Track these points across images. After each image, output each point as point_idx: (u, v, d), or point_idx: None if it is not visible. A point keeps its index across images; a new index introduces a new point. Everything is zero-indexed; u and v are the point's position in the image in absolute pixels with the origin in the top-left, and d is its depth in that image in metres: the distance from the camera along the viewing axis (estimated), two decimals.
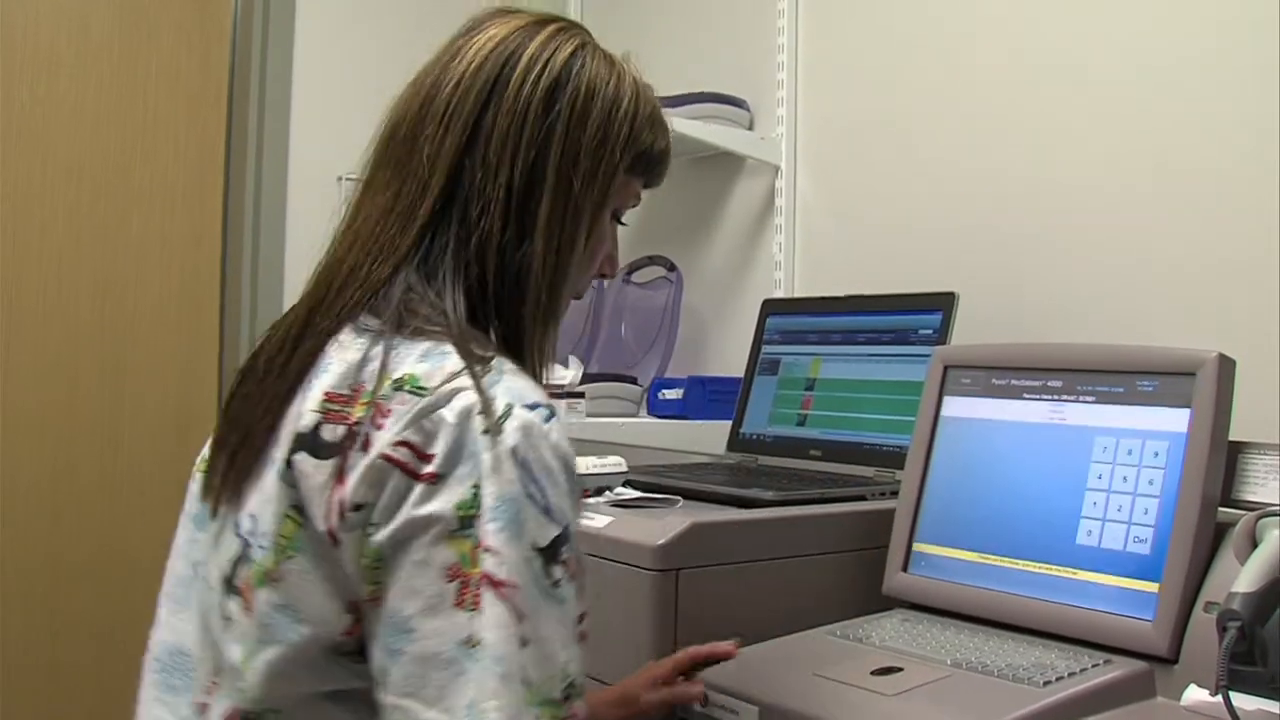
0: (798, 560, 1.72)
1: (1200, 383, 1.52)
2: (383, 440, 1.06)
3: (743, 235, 2.91)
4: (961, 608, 1.65)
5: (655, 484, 1.90)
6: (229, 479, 1.17)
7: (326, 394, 1.12)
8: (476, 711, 1.00)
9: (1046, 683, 1.38)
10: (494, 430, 1.05)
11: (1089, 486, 1.59)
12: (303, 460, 1.10)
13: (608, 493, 1.82)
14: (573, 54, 1.24)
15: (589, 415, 2.57)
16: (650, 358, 2.90)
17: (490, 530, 1.03)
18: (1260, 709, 1.24)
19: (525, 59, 1.22)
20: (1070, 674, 1.41)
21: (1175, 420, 1.54)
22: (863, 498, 1.90)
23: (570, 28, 1.28)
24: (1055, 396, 1.66)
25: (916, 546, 1.74)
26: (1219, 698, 1.25)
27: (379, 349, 1.14)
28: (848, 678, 1.43)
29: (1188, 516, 1.48)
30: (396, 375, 1.11)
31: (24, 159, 2.97)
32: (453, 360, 1.11)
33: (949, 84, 2.42)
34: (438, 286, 1.19)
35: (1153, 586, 1.48)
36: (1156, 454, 1.54)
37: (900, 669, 1.45)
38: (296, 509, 1.09)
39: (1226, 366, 1.53)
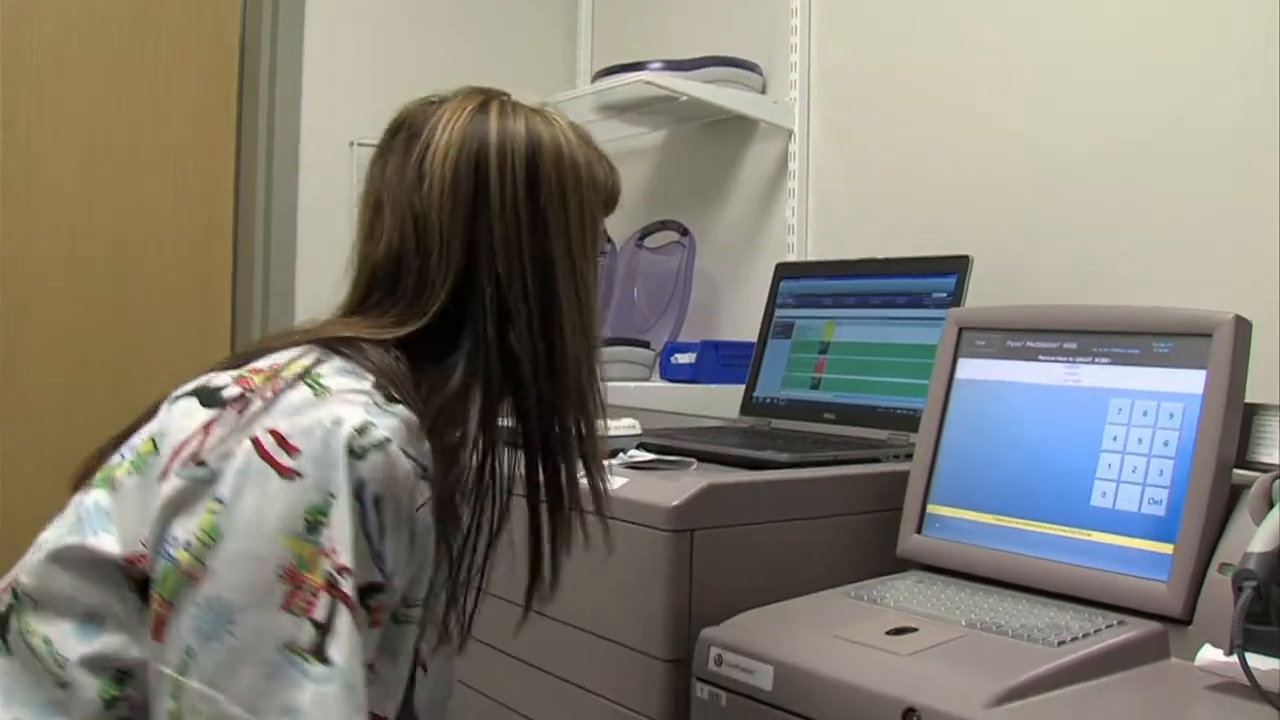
0: (812, 522, 1.73)
1: (1216, 344, 1.52)
2: (260, 417, 1.10)
3: (756, 199, 2.90)
4: (976, 569, 1.65)
5: (669, 446, 1.90)
6: None
7: (254, 369, 1.19)
8: (291, 714, 1.01)
9: (1061, 643, 1.38)
10: (360, 454, 1.07)
11: (1104, 448, 1.58)
12: (189, 402, 1.17)
13: (621, 455, 1.82)
14: (527, 128, 1.25)
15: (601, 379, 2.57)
16: (663, 322, 2.90)
17: (346, 555, 1.05)
18: (1275, 669, 1.24)
19: (494, 156, 1.22)
20: (1084, 634, 1.41)
21: (1191, 382, 1.53)
22: (876, 460, 1.90)
23: (501, 96, 1.29)
24: (1070, 358, 1.66)
25: (931, 508, 1.74)
26: (1233, 658, 1.25)
27: (316, 353, 1.19)
28: (863, 638, 1.44)
29: (1203, 478, 1.48)
30: (308, 370, 1.15)
31: (35, 122, 2.96)
32: (363, 383, 1.15)
33: (962, 48, 2.40)
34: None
35: (1167, 548, 1.48)
36: (1172, 415, 1.54)
37: (915, 629, 1.45)
38: (161, 436, 1.15)
39: (1243, 328, 1.52)
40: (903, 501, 1.77)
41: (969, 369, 1.77)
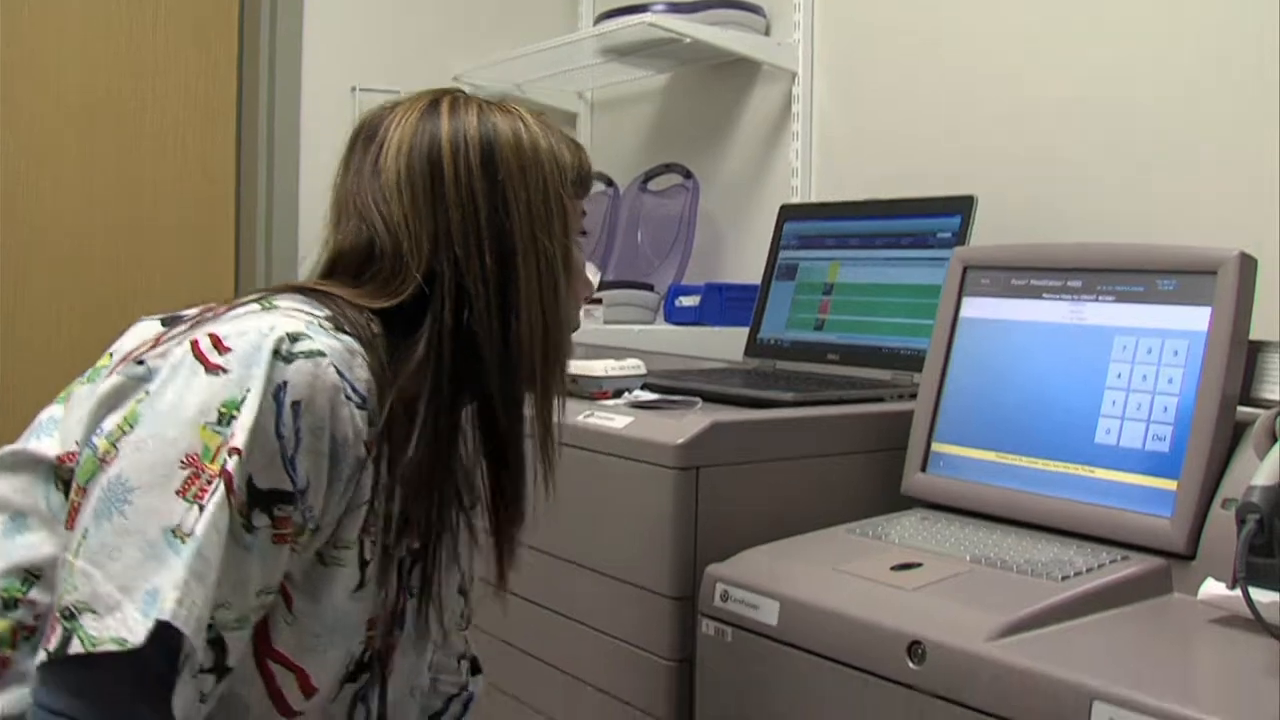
0: (816, 460, 1.74)
1: (1221, 281, 1.51)
2: (205, 324, 1.15)
3: (759, 141, 2.89)
4: (980, 507, 1.66)
5: (673, 387, 1.90)
6: None
7: (223, 301, 1.23)
8: (157, 597, 1.01)
9: (1064, 578, 1.39)
10: (286, 358, 1.09)
11: (1108, 385, 1.59)
12: (153, 322, 1.24)
13: (626, 394, 1.83)
14: (480, 118, 1.26)
15: (606, 322, 2.58)
16: (667, 265, 2.90)
17: (240, 438, 1.06)
18: (1277, 601, 1.25)
19: (446, 145, 1.24)
20: (1088, 569, 1.41)
21: (1195, 319, 1.53)
22: (880, 399, 1.91)
23: (453, 92, 1.31)
24: (1075, 296, 1.66)
25: (935, 446, 1.74)
26: (1235, 591, 1.26)
27: (285, 290, 1.23)
28: (868, 573, 1.44)
29: (1207, 414, 1.48)
30: (265, 295, 1.21)
31: (35, 52, 2.96)
32: (316, 310, 1.18)
33: None
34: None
35: (1171, 484, 1.49)
36: (1176, 353, 1.54)
37: (919, 564, 1.46)
38: (117, 350, 1.22)
39: (1248, 265, 1.52)
40: (907, 440, 1.77)
41: (973, 307, 1.77)
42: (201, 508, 1.04)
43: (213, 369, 1.09)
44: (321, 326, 1.15)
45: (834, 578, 1.45)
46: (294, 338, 1.10)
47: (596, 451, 1.70)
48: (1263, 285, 1.54)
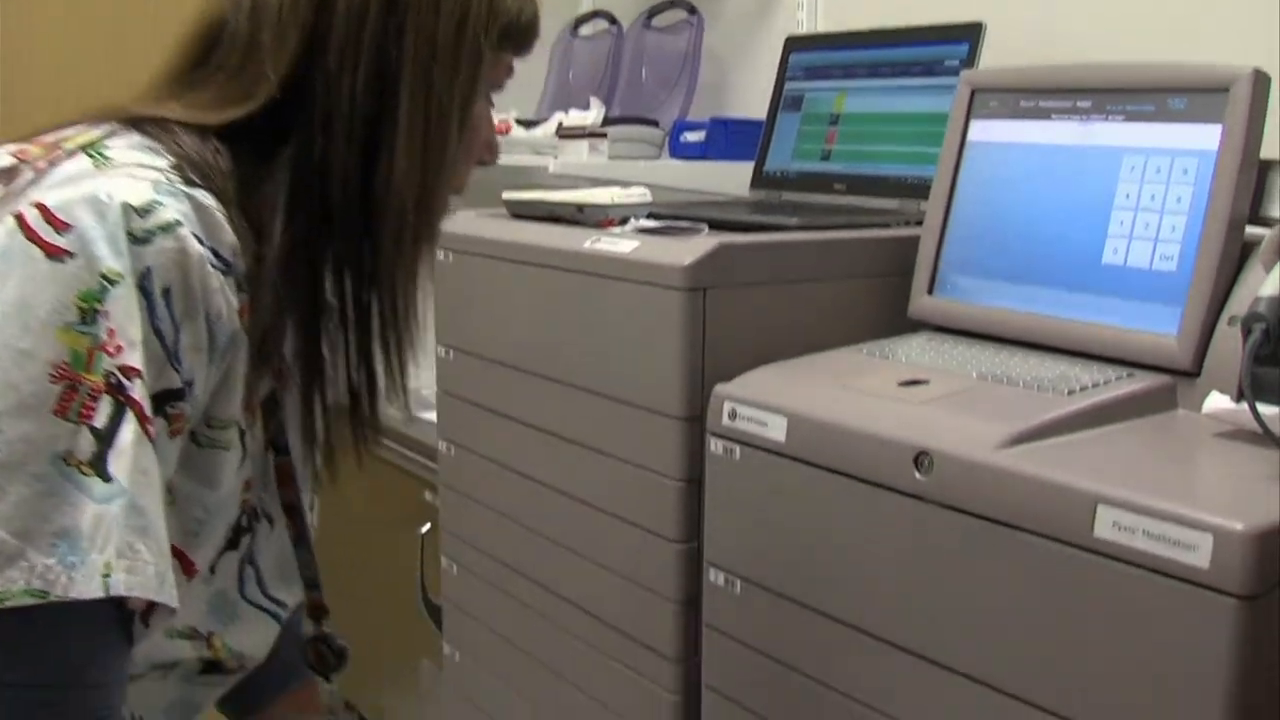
0: (823, 284, 1.73)
1: (1233, 99, 1.50)
2: (28, 191, 0.97)
3: None
4: (986, 328, 1.66)
5: (679, 215, 1.89)
6: None
7: (38, 140, 1.07)
8: (67, 540, 0.90)
9: (1070, 392, 1.39)
10: (143, 239, 0.95)
11: (1116, 206, 1.58)
12: None
13: (632, 221, 1.82)
14: None
15: (610, 158, 2.56)
16: (671, 101, 2.87)
17: (117, 339, 0.93)
18: None
19: None
20: (1094, 385, 1.42)
21: (1206, 137, 1.52)
22: (887, 225, 1.90)
23: None
24: (1084, 116, 1.64)
25: (942, 270, 1.74)
26: (1240, 404, 1.27)
27: (112, 127, 1.07)
28: (875, 388, 1.45)
29: (1215, 232, 1.47)
30: (93, 142, 1.03)
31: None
32: (157, 160, 1.02)
33: None
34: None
35: (1177, 303, 1.49)
36: (1186, 171, 1.53)
37: (926, 381, 1.47)
38: None
39: (1261, 82, 1.50)
40: (914, 266, 1.77)
41: (981, 131, 1.76)
42: (93, 430, 0.91)
43: (55, 253, 0.92)
44: (168, 183, 0.99)
45: (841, 393, 1.46)
46: (143, 210, 0.95)
47: (603, 276, 1.70)
48: (1275, 103, 1.52)
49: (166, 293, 0.96)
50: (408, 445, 2.78)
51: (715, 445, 1.54)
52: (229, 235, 1.02)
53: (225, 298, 1.01)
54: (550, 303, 1.83)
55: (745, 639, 1.54)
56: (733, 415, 1.51)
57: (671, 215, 1.86)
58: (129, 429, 0.93)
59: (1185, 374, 1.46)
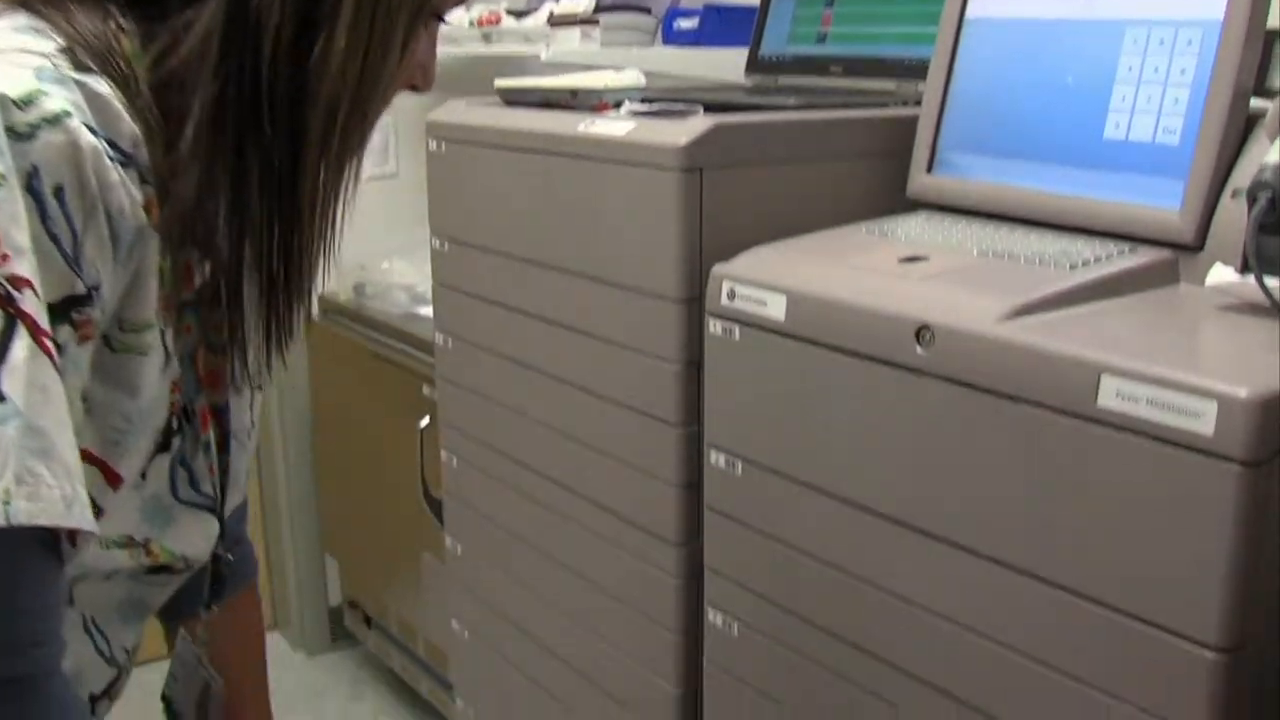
0: (821, 164, 1.71)
1: None
2: None
3: None
4: (986, 206, 1.64)
5: (673, 98, 1.87)
6: None
7: None
8: None
9: (1073, 266, 1.38)
10: (26, 134, 0.85)
11: (1118, 79, 1.55)
12: None
13: (626, 103, 1.79)
14: None
15: (603, 45, 2.53)
16: None
17: (25, 264, 0.84)
18: None
19: None
20: (1096, 259, 1.41)
21: (1211, 6, 1.48)
22: (884, 105, 1.88)
23: None
24: None
25: (941, 148, 1.72)
26: (1243, 277, 1.26)
27: None
28: (875, 265, 1.44)
29: (1219, 104, 1.45)
30: None
31: None
32: (44, 44, 0.91)
33: None
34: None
35: (1180, 176, 1.47)
36: (1190, 42, 1.50)
37: (926, 258, 1.45)
38: None
39: None
40: (912, 145, 1.75)
41: (979, 6, 1.72)
42: None
43: None
44: (55, 69, 0.89)
45: (841, 271, 1.45)
46: (24, 101, 0.85)
47: (599, 160, 1.68)
48: None
49: (59, 191, 0.86)
50: (405, 340, 2.78)
51: (714, 326, 1.53)
52: (128, 124, 0.92)
53: (127, 192, 0.91)
54: (545, 189, 1.81)
55: (747, 520, 1.54)
56: (731, 295, 1.50)
57: (666, 98, 1.84)
58: (21, 344, 0.83)
59: (1188, 248, 1.44)
